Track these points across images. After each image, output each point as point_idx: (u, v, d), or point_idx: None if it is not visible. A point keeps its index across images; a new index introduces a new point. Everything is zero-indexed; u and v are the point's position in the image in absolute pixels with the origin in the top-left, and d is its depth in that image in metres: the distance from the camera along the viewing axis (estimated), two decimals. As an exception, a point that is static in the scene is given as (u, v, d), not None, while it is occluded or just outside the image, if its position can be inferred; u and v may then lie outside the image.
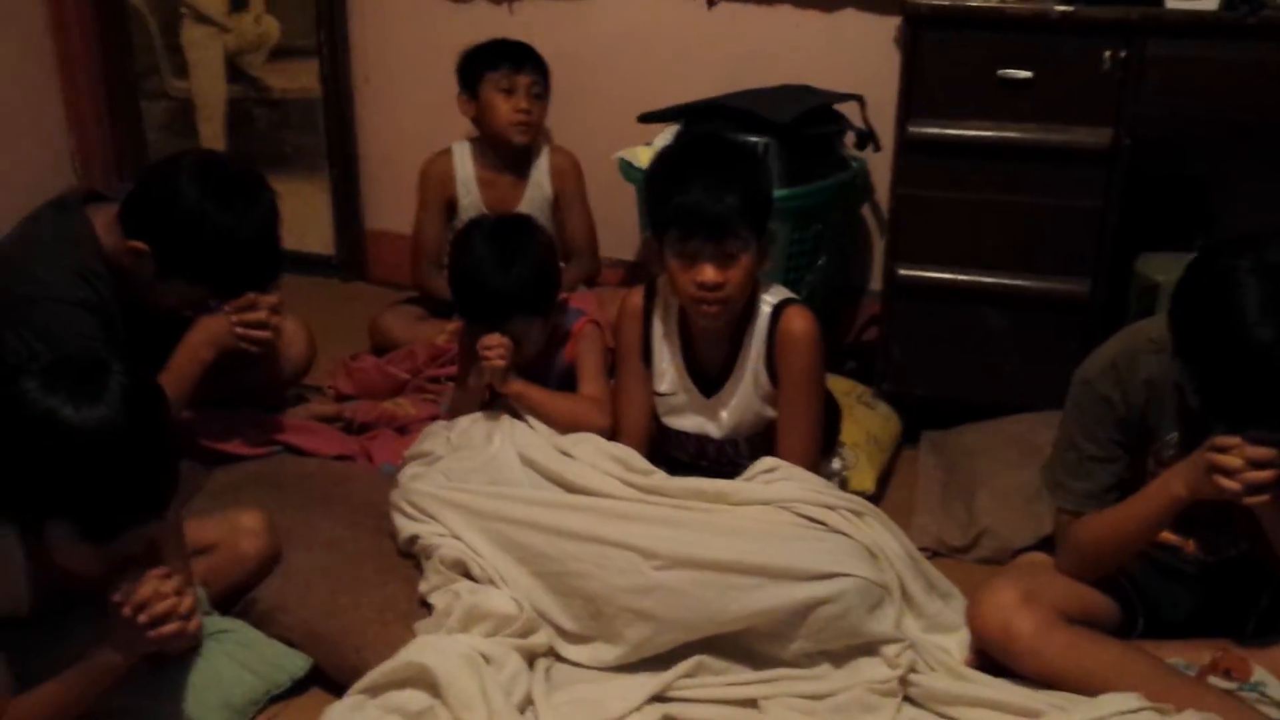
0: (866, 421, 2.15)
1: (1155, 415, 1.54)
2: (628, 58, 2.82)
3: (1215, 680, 1.46)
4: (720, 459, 1.88)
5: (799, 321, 1.79)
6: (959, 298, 2.17)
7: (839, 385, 2.20)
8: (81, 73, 3.16)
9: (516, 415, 1.94)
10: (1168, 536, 1.58)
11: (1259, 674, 1.45)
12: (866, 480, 2.02)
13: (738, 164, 1.77)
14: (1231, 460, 1.38)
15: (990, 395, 2.18)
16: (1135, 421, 1.55)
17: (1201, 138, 2.05)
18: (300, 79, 3.10)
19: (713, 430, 1.87)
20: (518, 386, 1.92)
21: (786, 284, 2.06)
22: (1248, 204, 2.18)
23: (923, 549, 1.81)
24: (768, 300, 1.83)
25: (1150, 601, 1.60)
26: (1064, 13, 2.02)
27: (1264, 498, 1.39)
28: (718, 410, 1.86)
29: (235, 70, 3.17)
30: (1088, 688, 1.45)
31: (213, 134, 3.21)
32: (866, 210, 2.68)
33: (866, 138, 2.47)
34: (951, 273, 2.17)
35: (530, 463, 1.83)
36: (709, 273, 1.70)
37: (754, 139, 2.29)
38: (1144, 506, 1.51)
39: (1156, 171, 2.11)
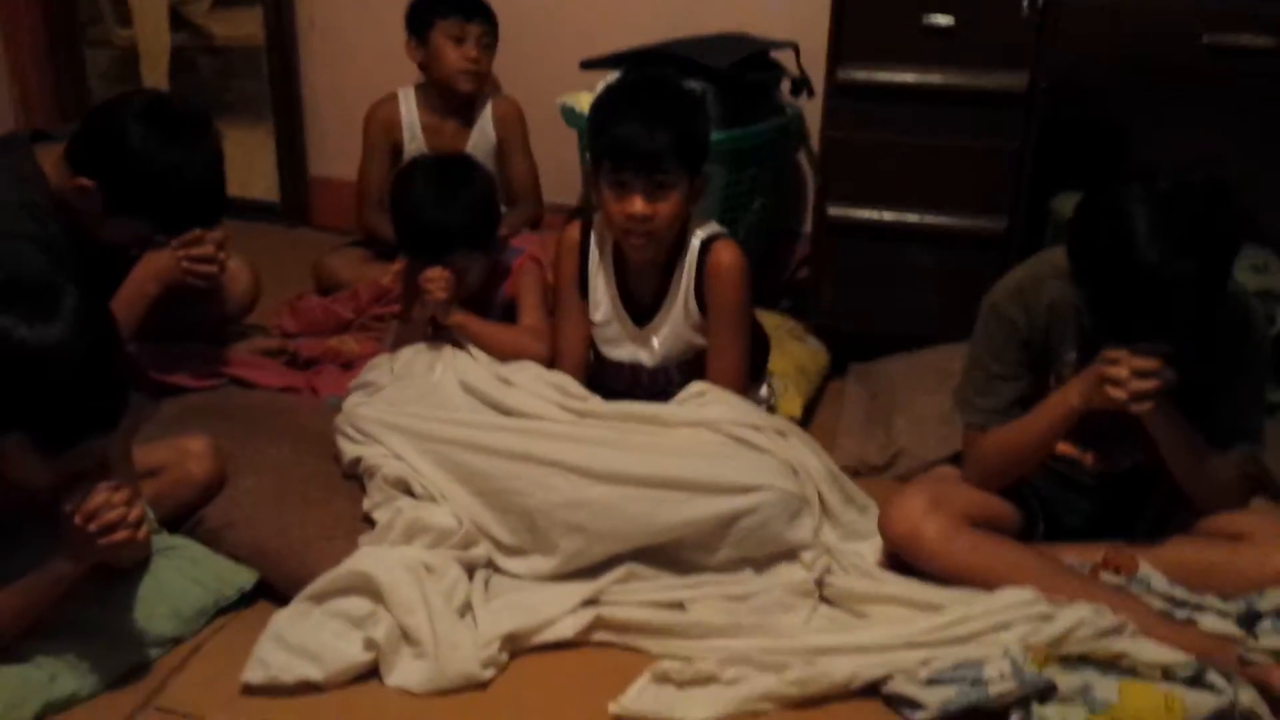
0: (796, 354, 2.25)
1: (1056, 337, 1.65)
2: (571, 6, 2.88)
3: (1106, 576, 1.58)
4: (653, 386, 1.96)
5: (726, 254, 1.87)
6: (886, 236, 2.27)
7: (771, 320, 2.30)
8: (24, 21, 3.15)
9: (459, 345, 2.01)
10: (1068, 450, 1.69)
11: (1144, 569, 1.56)
12: (794, 407, 2.11)
13: (675, 103, 1.83)
14: (1119, 370, 1.49)
15: (914, 328, 2.28)
16: (1038, 342, 1.65)
17: (1115, 81, 2.15)
18: (244, 26, 3.12)
19: (645, 358, 1.96)
20: (459, 318, 1.99)
21: (723, 225, 2.14)
22: (1159, 146, 2.29)
23: (844, 468, 1.91)
24: (698, 235, 1.90)
25: (1050, 509, 1.72)
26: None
27: (1148, 405, 1.50)
28: (650, 339, 1.95)
29: (179, 18, 3.17)
30: (988, 584, 1.56)
31: (156, 82, 3.22)
32: (802, 155, 2.77)
33: (801, 84, 2.55)
34: (879, 212, 2.27)
35: (471, 389, 1.90)
36: (638, 204, 1.78)
37: (693, 84, 2.36)
38: (1043, 419, 1.61)
39: (1073, 114, 2.21)
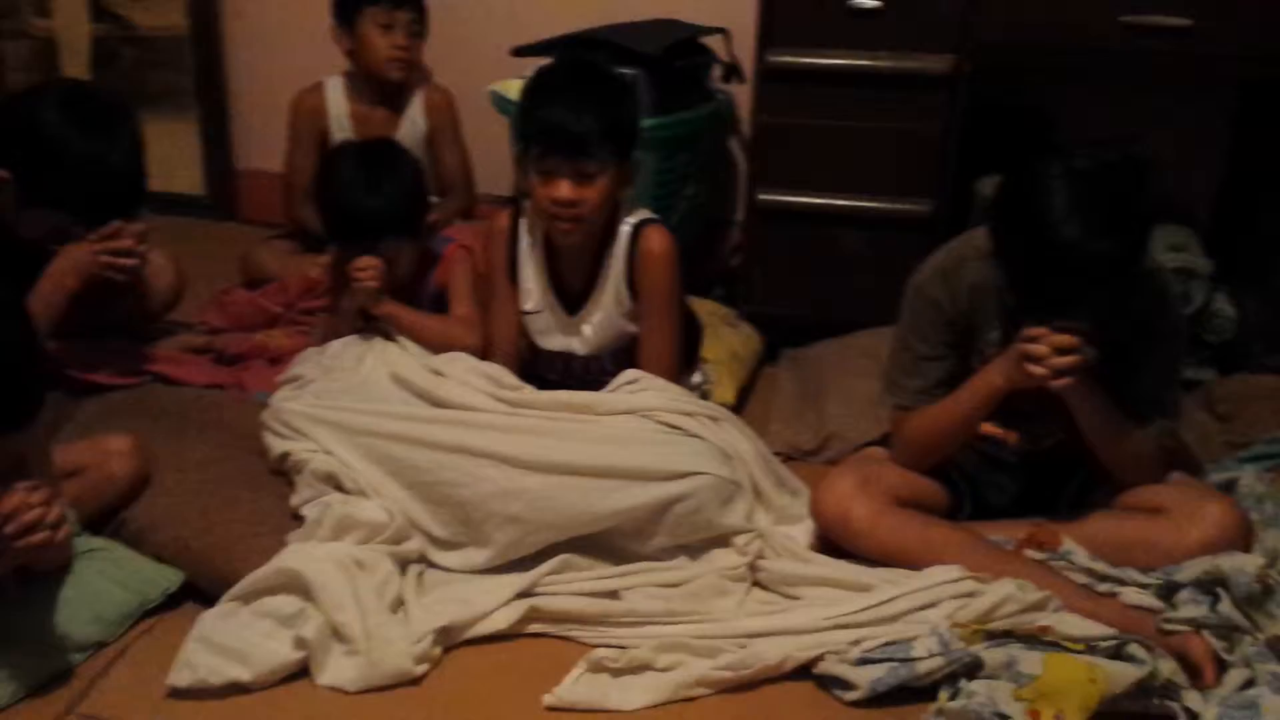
0: (729, 340, 2.26)
1: (979, 316, 1.67)
2: (501, -8, 2.85)
3: (1030, 552, 1.61)
4: (586, 374, 1.96)
5: (656, 239, 1.87)
6: (816, 221, 2.28)
7: (704, 307, 2.30)
8: (-67, 12, 3.05)
9: (389, 338, 1.99)
10: (993, 429, 1.71)
11: (1068, 544, 1.59)
12: (727, 393, 2.12)
13: (602, 88, 1.83)
14: (1039, 348, 1.52)
15: (846, 312, 2.30)
16: (961, 322, 1.67)
17: (1038, 62, 2.17)
18: (168, 15, 3.04)
19: (578, 347, 1.95)
20: (389, 307, 1.97)
21: (656, 212, 2.13)
22: (1081, 125, 2.33)
23: (777, 453, 1.92)
24: (628, 221, 1.90)
25: (976, 488, 1.74)
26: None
27: (1068, 381, 1.52)
28: (582, 327, 1.94)
29: (99, 7, 3.09)
30: (917, 563, 1.58)
31: (77, 73, 3.13)
32: (734, 141, 2.77)
33: (731, 70, 2.55)
34: (808, 197, 2.28)
35: (402, 381, 1.88)
36: (564, 189, 1.77)
37: (624, 70, 2.35)
38: (968, 398, 1.63)
39: (999, 95, 2.24)
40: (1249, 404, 2.08)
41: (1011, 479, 1.75)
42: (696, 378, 2.05)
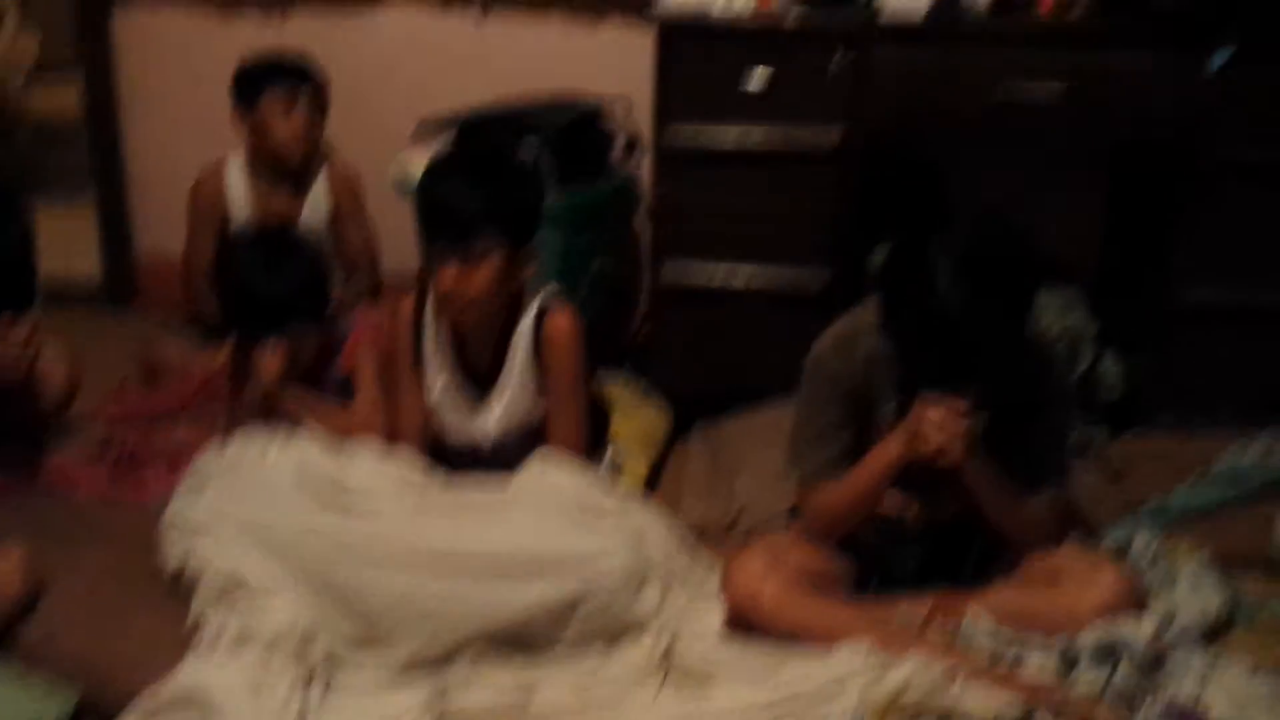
0: (639, 417, 2.27)
1: (876, 388, 1.70)
2: (404, 70, 2.86)
3: (935, 625, 1.63)
4: (496, 460, 1.94)
5: (562, 320, 1.87)
6: (720, 294, 2.32)
7: (612, 384, 2.31)
8: None
9: (293, 430, 1.95)
10: (894, 502, 1.73)
11: (971, 616, 1.62)
12: (638, 472, 2.12)
13: (494, 169, 1.83)
14: (930, 419, 1.55)
15: (755, 383, 2.32)
16: (860, 394, 1.70)
17: (924, 133, 2.25)
18: (64, 98, 2.99)
19: (487, 430, 1.94)
20: (293, 398, 1.94)
21: (563, 289, 2.14)
22: (973, 193, 2.40)
23: (689, 530, 1.92)
24: (534, 301, 1.90)
25: (882, 560, 1.76)
26: (796, 23, 2.19)
27: (959, 452, 1.56)
28: (490, 410, 1.93)
29: (-10, 90, 3.03)
30: (827, 642, 1.58)
31: (-33, 158, 3.06)
32: (640, 217, 2.80)
33: (633, 146, 2.59)
34: (712, 271, 2.32)
35: (306, 476, 1.85)
36: (449, 275, 1.77)
37: (525, 147, 2.37)
38: (867, 471, 1.66)
39: (891, 167, 2.30)
40: (1140, 463, 2.15)
41: (916, 549, 1.77)
42: (606, 458, 2.05)
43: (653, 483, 2.16)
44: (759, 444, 2.15)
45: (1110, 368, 2.29)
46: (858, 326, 1.72)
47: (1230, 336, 2.21)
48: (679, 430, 2.37)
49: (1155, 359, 2.27)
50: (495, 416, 1.93)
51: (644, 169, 2.59)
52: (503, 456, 1.95)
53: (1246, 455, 2.06)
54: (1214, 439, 2.13)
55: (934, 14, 2.16)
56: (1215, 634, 1.72)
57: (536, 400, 1.91)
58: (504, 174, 1.84)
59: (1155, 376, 2.27)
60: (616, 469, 2.06)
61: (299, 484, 1.84)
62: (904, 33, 2.16)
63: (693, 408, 2.39)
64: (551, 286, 1.96)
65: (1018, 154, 2.42)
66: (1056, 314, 2.29)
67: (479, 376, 1.93)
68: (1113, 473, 2.14)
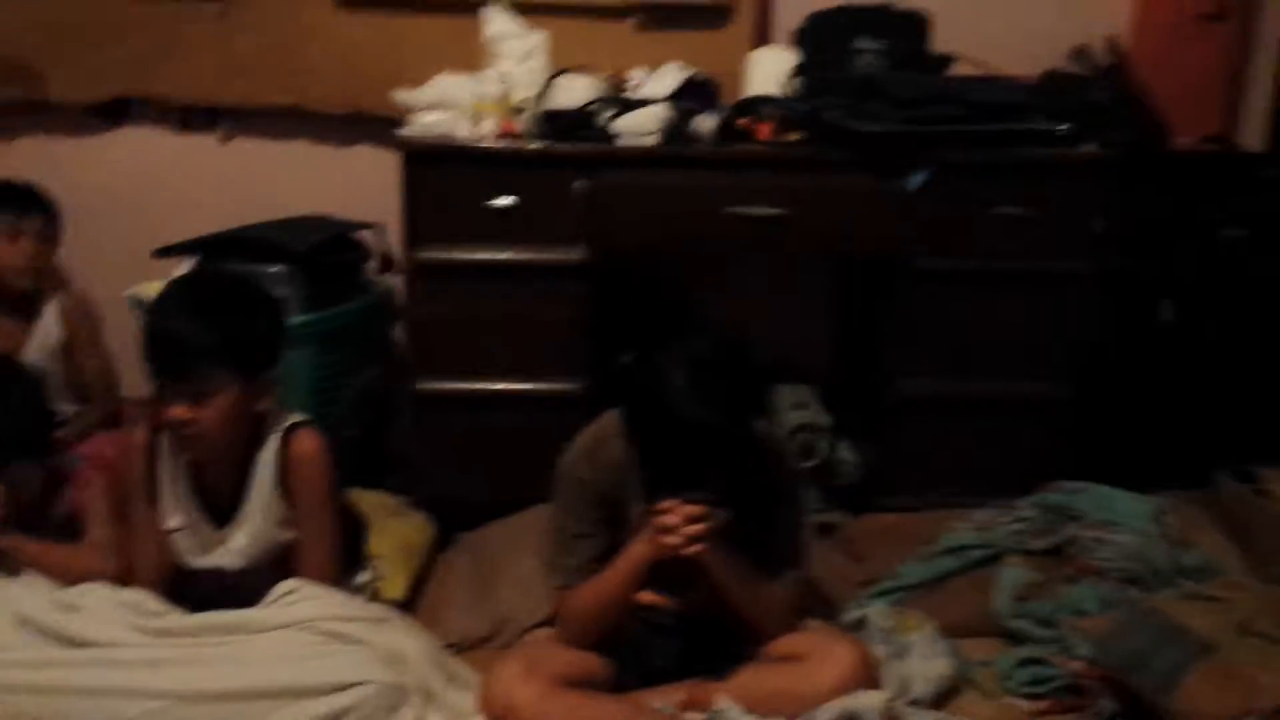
0: (398, 531, 2.24)
1: (624, 491, 1.77)
2: (142, 194, 2.80)
3: (689, 715, 1.68)
4: (241, 590, 1.86)
5: (307, 443, 1.84)
6: (477, 405, 2.35)
7: (371, 499, 2.27)
8: None
9: (13, 574, 1.81)
10: (649, 597, 1.79)
11: (722, 702, 1.68)
12: (397, 589, 2.09)
13: (223, 301, 1.78)
14: (670, 519, 1.63)
15: (515, 492, 2.35)
16: (609, 498, 1.77)
17: (662, 249, 2.39)
18: None
19: (230, 560, 1.86)
20: (11, 540, 1.80)
21: (317, 406, 2.11)
22: (714, 300, 2.57)
23: (452, 644, 1.91)
24: (278, 425, 1.86)
25: (641, 655, 1.81)
26: (538, 149, 2.31)
27: (700, 548, 1.64)
28: (233, 539, 1.86)
29: None
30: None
31: None
32: (399, 329, 2.81)
33: (386, 263, 2.61)
34: (469, 383, 2.35)
35: (28, 622, 1.71)
36: (175, 410, 1.71)
37: (272, 269, 2.35)
38: (616, 572, 1.72)
39: (637, 278, 2.43)
40: (877, 542, 2.32)
41: (673, 641, 1.83)
42: (363, 576, 2.00)
43: (414, 599, 2.13)
44: (521, 552, 2.16)
45: (845, 456, 2.47)
46: (603, 433, 1.79)
47: (944, 422, 2.44)
48: (442, 542, 2.35)
49: (882, 446, 2.47)
50: (239, 547, 1.85)
51: (401, 283, 2.62)
52: (249, 587, 1.87)
53: (967, 529, 2.26)
54: (938, 516, 2.33)
55: (665, 141, 2.33)
56: (946, 698, 1.86)
57: (282, 527, 1.86)
58: (234, 305, 1.79)
59: (883, 462, 2.47)
60: (374, 588, 2.02)
61: (18, 634, 1.70)
62: (638, 158, 2.32)
63: (457, 518, 2.39)
64: (296, 411, 1.92)
65: (750, 267, 2.64)
66: (793, 410, 2.47)
67: (220, 506, 1.86)
68: (853, 553, 2.30)
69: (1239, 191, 2.58)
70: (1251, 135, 2.84)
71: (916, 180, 2.33)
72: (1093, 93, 2.54)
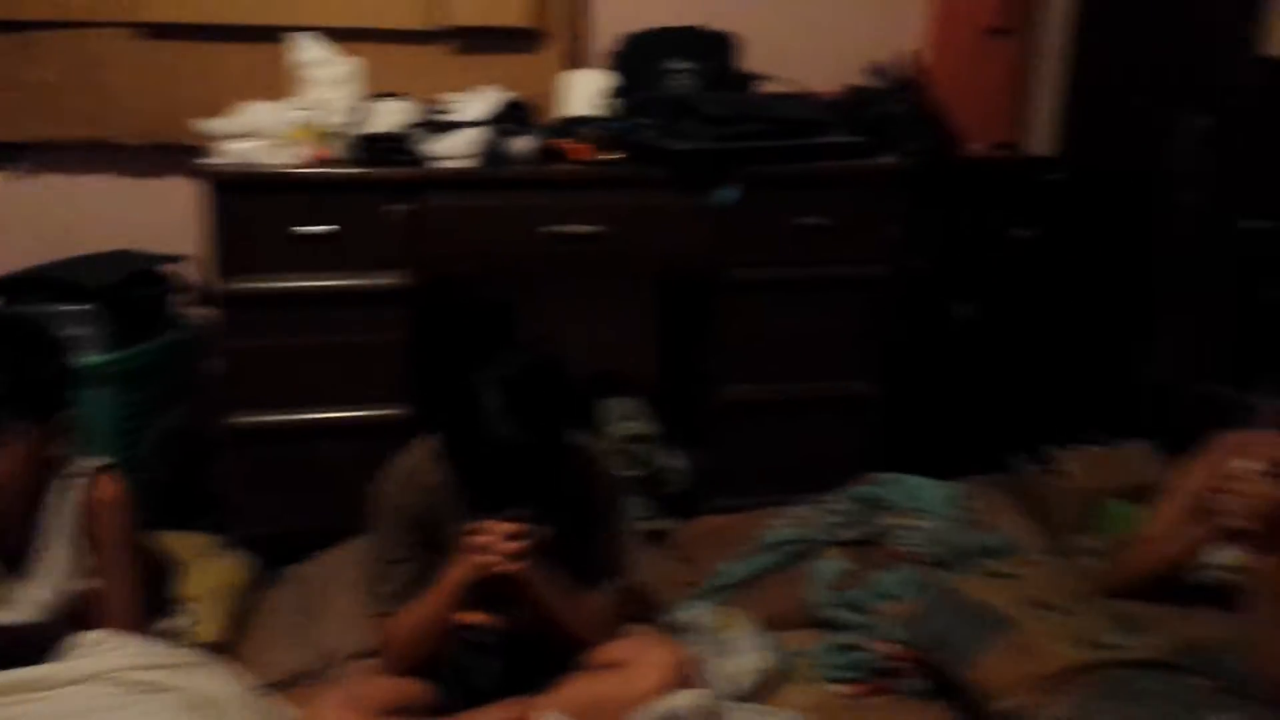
0: (213, 571, 2.18)
1: (444, 514, 1.77)
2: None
3: (513, 732, 1.70)
4: (37, 642, 1.78)
5: (108, 487, 1.78)
6: (297, 436, 2.31)
7: (185, 541, 2.21)
8: None
9: None
10: (473, 617, 1.79)
11: (547, 717, 1.71)
12: (212, 630, 2.03)
13: (5, 346, 1.71)
14: (487, 539, 1.65)
15: (341, 522, 2.31)
16: (425, 522, 1.77)
17: (485, 271, 2.41)
18: None
19: (25, 613, 1.77)
20: None
21: (121, 448, 2.03)
22: (539, 318, 2.60)
23: (276, 682, 1.87)
24: (78, 470, 1.79)
25: (464, 676, 1.81)
26: (353, 174, 2.29)
27: (519, 565, 1.66)
28: (28, 591, 1.77)
29: None
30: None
31: None
32: (213, 364, 2.73)
33: (198, 296, 2.55)
34: (287, 414, 2.31)
35: None
36: None
37: (71, 307, 2.26)
38: (436, 596, 1.72)
39: (457, 303, 2.44)
40: (704, 545, 2.39)
41: (499, 660, 1.83)
42: (177, 621, 1.95)
43: (235, 639, 2.07)
44: (345, 583, 2.14)
45: (674, 464, 2.54)
46: (417, 458, 1.79)
47: (764, 424, 2.53)
48: (265, 579, 2.30)
49: (708, 452, 2.55)
50: (36, 598, 1.76)
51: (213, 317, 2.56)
52: (46, 640, 1.78)
53: (784, 525, 2.35)
54: (761, 514, 2.42)
55: (483, 164, 2.35)
56: (767, 690, 1.93)
57: (83, 576, 1.78)
58: (20, 349, 1.71)
59: (710, 466, 2.54)
60: (187, 632, 1.96)
61: None
62: (457, 181, 2.33)
63: (283, 553, 2.34)
64: (97, 454, 1.85)
65: (578, 286, 2.67)
66: (622, 422, 2.52)
67: (12, 557, 1.77)
68: (683, 557, 2.36)
69: (1027, 195, 2.77)
70: (1038, 142, 3.06)
71: (727, 196, 2.42)
72: (890, 106, 2.69)
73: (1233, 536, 1.76)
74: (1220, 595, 1.86)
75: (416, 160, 2.33)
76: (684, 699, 1.70)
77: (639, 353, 2.82)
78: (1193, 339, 2.60)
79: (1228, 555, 1.83)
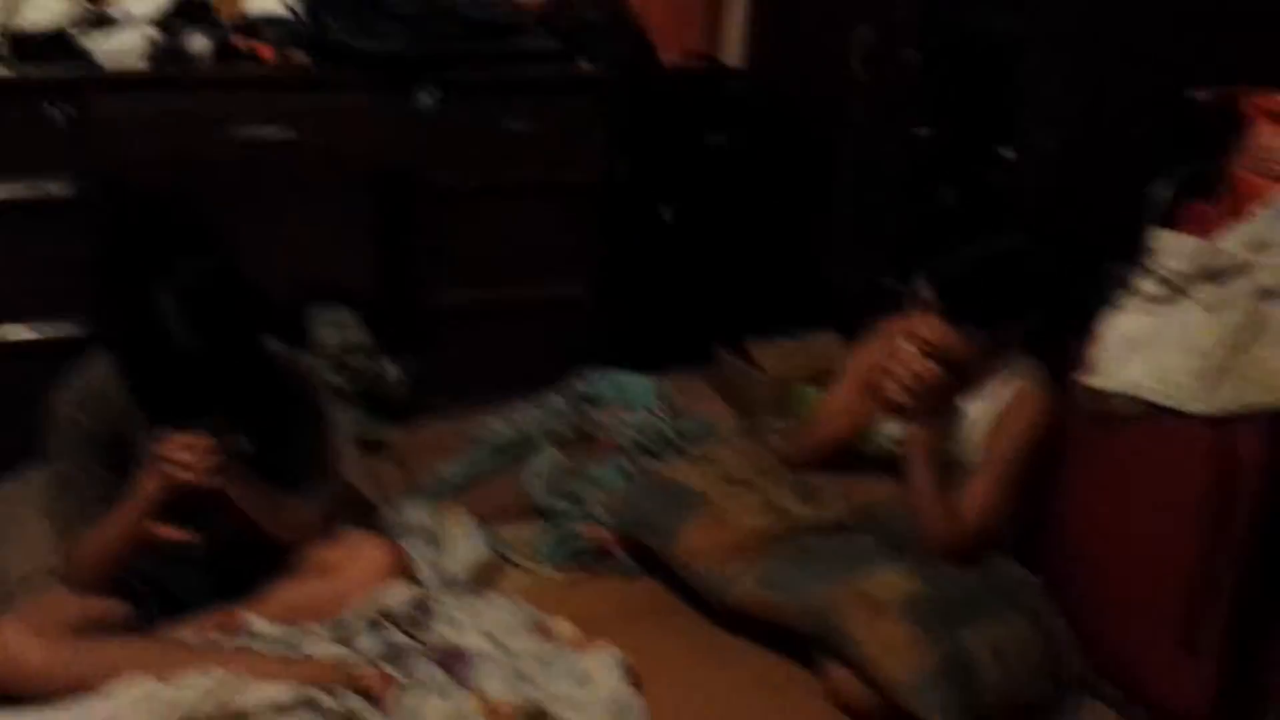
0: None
1: (127, 429, 1.68)
2: None
3: (216, 637, 1.67)
4: None
5: None
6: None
7: None
8: None
9: None
10: (171, 532, 1.71)
11: (251, 621, 1.70)
12: None
13: None
14: (176, 452, 1.59)
15: (18, 447, 2.14)
16: (107, 439, 1.68)
17: (170, 180, 2.26)
18: None
19: None
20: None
21: None
22: (242, 232, 2.45)
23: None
24: None
25: (163, 590, 1.76)
26: (8, 75, 2.08)
27: (208, 477, 1.62)
28: None
29: None
30: (106, 687, 1.54)
31: None
32: None
33: None
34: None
35: None
36: None
37: None
38: (124, 511, 1.65)
39: (143, 211, 2.28)
40: (425, 450, 2.41)
41: (201, 574, 1.78)
42: None
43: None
44: (25, 507, 1.99)
45: (390, 372, 2.52)
46: (96, 373, 1.69)
47: (479, 329, 2.57)
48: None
49: (425, 359, 2.55)
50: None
51: None
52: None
53: (502, 424, 2.41)
54: (479, 417, 2.46)
55: (156, 64, 2.19)
56: (485, 580, 2.00)
57: None
58: None
59: (428, 373, 2.55)
60: None
61: None
62: (126, 82, 2.16)
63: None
64: None
65: (278, 193, 2.55)
66: (334, 331, 2.47)
67: None
68: (401, 461, 2.37)
69: (720, 103, 2.91)
70: (730, 53, 3.21)
71: (426, 99, 2.39)
72: (588, 13, 2.73)
73: (893, 410, 1.95)
74: (889, 464, 2.06)
75: (81, 61, 2.14)
76: (395, 593, 1.73)
77: (353, 261, 2.73)
78: (866, 236, 2.83)
79: (894, 428, 2.02)
